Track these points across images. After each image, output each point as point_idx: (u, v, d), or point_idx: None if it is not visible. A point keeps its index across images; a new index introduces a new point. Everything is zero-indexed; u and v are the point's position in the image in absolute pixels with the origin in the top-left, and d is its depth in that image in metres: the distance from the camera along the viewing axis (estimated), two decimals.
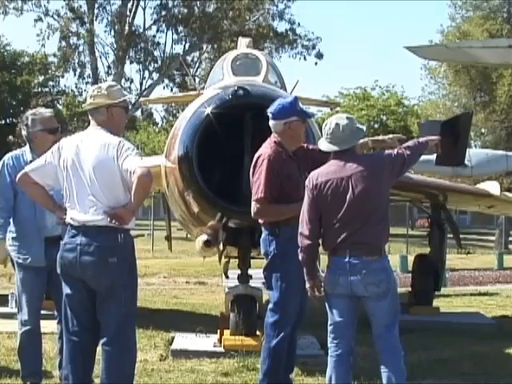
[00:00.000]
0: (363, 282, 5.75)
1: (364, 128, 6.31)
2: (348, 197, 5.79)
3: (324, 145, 6.03)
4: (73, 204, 5.68)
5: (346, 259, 5.77)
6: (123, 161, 5.56)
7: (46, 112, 6.98)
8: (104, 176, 5.60)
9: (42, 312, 10.94)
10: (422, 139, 6.37)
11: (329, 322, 5.95)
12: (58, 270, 5.74)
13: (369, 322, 5.92)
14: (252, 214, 6.72)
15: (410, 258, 16.24)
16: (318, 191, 5.86)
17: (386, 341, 5.84)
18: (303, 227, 5.90)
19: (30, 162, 6.43)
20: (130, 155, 5.59)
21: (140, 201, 5.65)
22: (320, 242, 5.99)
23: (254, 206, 6.68)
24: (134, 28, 40.25)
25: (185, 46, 41.59)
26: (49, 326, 10.02)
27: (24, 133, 7.02)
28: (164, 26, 41.18)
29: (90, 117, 5.91)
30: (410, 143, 6.19)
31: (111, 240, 5.58)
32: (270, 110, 6.84)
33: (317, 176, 5.93)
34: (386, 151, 6.15)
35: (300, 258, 5.93)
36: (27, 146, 7.00)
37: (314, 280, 5.94)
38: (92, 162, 5.63)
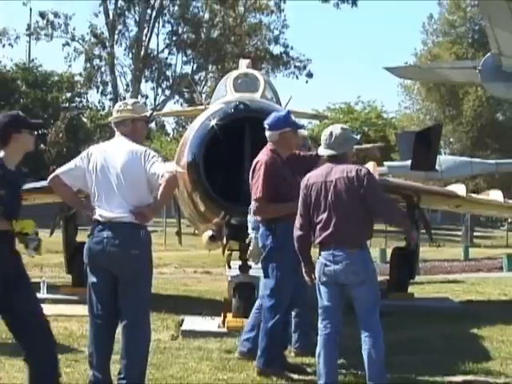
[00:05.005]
0: (344, 271, 5.76)
1: (357, 137, 6.31)
2: (328, 199, 5.80)
3: (321, 150, 6.04)
4: (101, 203, 5.63)
5: (331, 251, 5.78)
6: (151, 166, 5.53)
7: None
8: (131, 178, 5.57)
9: (71, 297, 10.99)
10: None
11: (318, 306, 5.96)
12: (86, 260, 5.69)
13: (353, 307, 5.93)
14: (252, 212, 6.73)
15: (388, 251, 16.21)
16: (306, 191, 5.91)
17: (366, 322, 5.83)
18: (296, 221, 5.96)
19: None
20: (157, 161, 5.57)
21: (165, 201, 5.62)
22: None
23: (254, 205, 6.70)
24: (149, 51, 40.31)
25: (193, 66, 41.69)
26: (75, 310, 10.06)
27: None
28: (175, 49, 41.26)
29: (115, 128, 5.87)
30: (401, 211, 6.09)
31: (134, 235, 5.55)
32: (266, 122, 6.86)
33: (308, 178, 5.97)
34: (376, 177, 6.10)
35: (296, 247, 5.98)
36: None
37: (309, 266, 5.98)
38: (120, 165, 5.60)
